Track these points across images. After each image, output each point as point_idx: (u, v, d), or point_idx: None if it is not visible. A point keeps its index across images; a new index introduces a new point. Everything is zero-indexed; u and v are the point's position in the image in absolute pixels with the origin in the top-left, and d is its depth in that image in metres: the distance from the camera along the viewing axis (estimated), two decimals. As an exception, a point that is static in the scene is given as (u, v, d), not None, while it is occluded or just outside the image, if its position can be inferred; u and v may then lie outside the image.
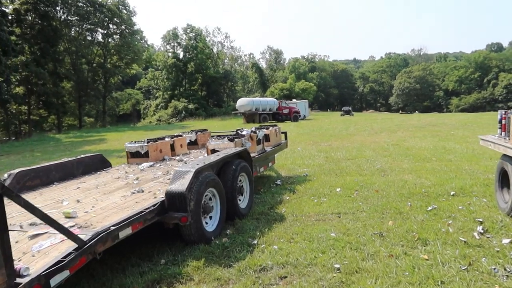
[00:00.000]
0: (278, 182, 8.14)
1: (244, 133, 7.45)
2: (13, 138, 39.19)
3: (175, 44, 63.21)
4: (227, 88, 70.00)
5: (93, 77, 48.56)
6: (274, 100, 41.73)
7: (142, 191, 4.82)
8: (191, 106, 55.06)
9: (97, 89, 49.17)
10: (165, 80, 63.23)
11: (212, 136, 9.26)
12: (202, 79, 64.40)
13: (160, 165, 6.85)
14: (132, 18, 47.91)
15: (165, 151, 7.65)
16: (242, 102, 39.02)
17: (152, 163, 6.97)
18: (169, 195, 4.27)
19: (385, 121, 31.27)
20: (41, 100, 40.18)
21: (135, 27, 49.00)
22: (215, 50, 72.10)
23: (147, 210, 3.92)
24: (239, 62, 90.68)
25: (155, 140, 7.71)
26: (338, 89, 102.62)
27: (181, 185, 4.30)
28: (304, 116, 44.29)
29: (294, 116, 39.45)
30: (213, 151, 6.57)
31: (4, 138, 40.80)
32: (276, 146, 8.42)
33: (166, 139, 7.99)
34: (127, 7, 47.16)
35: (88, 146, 21.50)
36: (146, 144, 7.24)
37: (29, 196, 5.10)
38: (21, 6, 37.05)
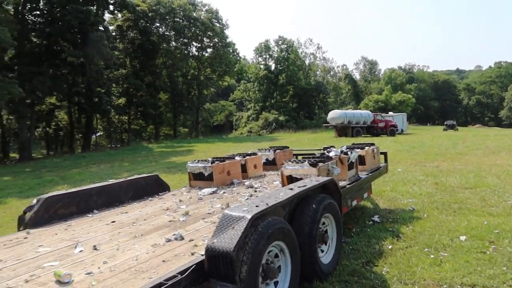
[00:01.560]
0: (376, 218, 6.25)
1: (332, 154, 5.75)
2: (118, 145, 42.02)
3: (267, 56, 63.33)
4: (319, 100, 68.14)
5: (188, 89, 50.33)
6: (368, 113, 38.79)
7: (182, 238, 3.41)
8: (281, 118, 54.27)
9: (191, 100, 50.84)
10: (256, 92, 63.58)
11: (294, 156, 7.71)
12: (294, 91, 63.53)
13: (224, 193, 5.46)
14: (224, 31, 48.78)
15: (234, 173, 6.28)
16: (334, 115, 36.86)
17: (215, 189, 5.61)
18: (210, 253, 2.79)
19: (500, 138, 26.64)
20: (139, 111, 42.45)
21: (228, 40, 49.79)
22: (307, 61, 70.95)
23: (168, 283, 2.47)
24: (332, 73, 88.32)
25: (223, 159, 6.38)
26: (439, 102, 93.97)
27: (228, 239, 2.80)
28: (402, 130, 40.51)
29: (390, 130, 36.12)
30: (290, 178, 4.99)
31: (109, 146, 43.98)
32: (373, 171, 6.54)
33: (237, 158, 6.63)
34: (220, 21, 48.15)
35: (175, 157, 21.40)
36: (210, 164, 5.93)
37: (50, 231, 4.04)
38: (124, 23, 39.69)
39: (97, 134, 48.16)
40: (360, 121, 36.63)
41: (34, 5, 30.69)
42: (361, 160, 6.34)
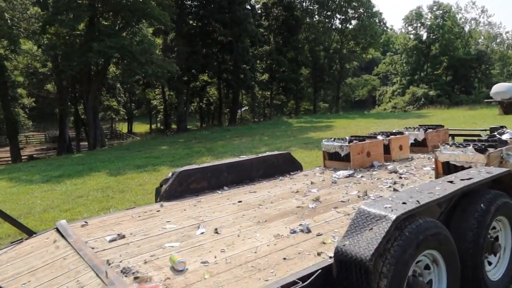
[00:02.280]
0: None
1: (505, 137, 4.53)
2: (261, 119, 43.91)
3: (418, 24, 57.38)
4: (480, 72, 59.42)
5: (329, 63, 49.13)
6: (546, 86, 31.99)
7: (308, 231, 2.94)
8: (432, 92, 49.03)
9: (332, 75, 49.61)
10: (404, 65, 58.64)
11: (450, 137, 6.50)
12: (448, 62, 56.61)
13: (361, 177, 4.79)
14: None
15: (375, 154, 5.51)
16: (500, 88, 31.38)
17: (351, 171, 4.98)
18: (341, 258, 2.25)
19: None
20: (281, 86, 43.23)
21: (374, 9, 46.56)
22: (467, 28, 62.08)
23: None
24: (498, 40, 75.71)
25: (362, 138, 5.65)
26: None
27: (364, 244, 2.21)
28: None
29: None
30: (447, 165, 4.05)
31: (253, 120, 46.27)
32: None
33: (379, 137, 5.81)
34: (367, -12, 45.19)
35: (313, 133, 21.06)
36: (347, 144, 5.29)
37: (180, 206, 4.02)
38: (269, 0, 40.30)
39: (242, 109, 51.04)
40: (535, 96, 30.49)
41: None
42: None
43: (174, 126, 40.47)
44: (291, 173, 5.35)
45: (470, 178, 2.98)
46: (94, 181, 9.75)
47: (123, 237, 3.17)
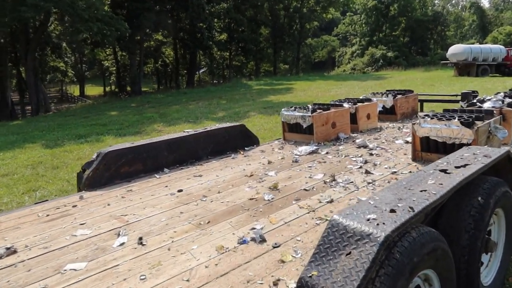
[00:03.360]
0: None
1: (488, 105, 3.97)
2: (221, 81, 42.40)
3: (378, -16, 56.67)
4: (435, 34, 60.34)
5: (289, 23, 47.80)
6: (500, 48, 32.66)
7: (262, 240, 2.22)
8: (390, 54, 49.30)
9: (292, 35, 48.43)
10: (363, 25, 58.31)
11: (419, 102, 5.96)
12: (406, 23, 56.91)
13: (327, 153, 4.12)
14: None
15: (341, 125, 4.84)
16: (456, 50, 31.75)
17: (315, 147, 4.28)
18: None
19: None
20: (240, 47, 41.76)
21: (335, -34, 45.18)
22: (425, -12, 62.13)
23: None
24: (453, 1, 76.87)
25: (327, 106, 4.94)
26: None
27: (342, 277, 1.51)
28: (540, 70, 33.66)
29: (527, 69, 30.20)
30: (426, 141, 3.44)
31: (212, 82, 44.75)
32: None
33: (345, 105, 5.12)
34: None
35: (273, 96, 20.33)
36: (309, 114, 4.56)
37: (105, 197, 3.19)
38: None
39: (201, 71, 49.14)
40: (488, 57, 31.08)
41: None
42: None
43: (129, 89, 38.36)
44: (245, 148, 4.60)
45: (467, 165, 2.34)
46: (26, 154, 8.58)
47: (14, 252, 2.33)
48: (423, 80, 26.01)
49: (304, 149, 4.17)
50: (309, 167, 3.63)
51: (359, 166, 3.50)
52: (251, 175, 3.50)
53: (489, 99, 4.28)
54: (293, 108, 4.82)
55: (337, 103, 5.15)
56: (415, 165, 3.43)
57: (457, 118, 3.30)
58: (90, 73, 58.30)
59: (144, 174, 3.78)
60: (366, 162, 3.63)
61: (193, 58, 38.72)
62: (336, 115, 4.78)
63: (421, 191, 1.96)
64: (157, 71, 46.43)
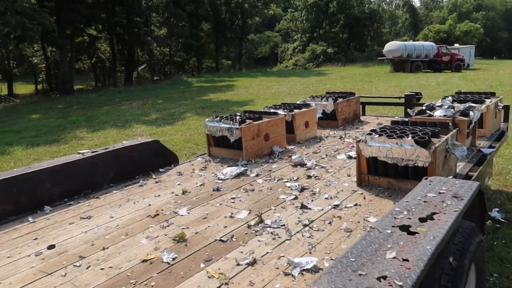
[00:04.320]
0: (496, 213, 4.00)
1: (439, 113, 3.44)
2: (162, 78, 40.46)
3: (318, -19, 57.42)
4: (372, 31, 62.44)
5: (231, 18, 46.96)
6: (431, 45, 34.10)
7: None
8: (330, 50, 50.15)
9: (234, 30, 47.67)
10: (304, 22, 58.93)
11: (362, 105, 5.43)
12: (345, 20, 58.26)
13: (257, 175, 3.38)
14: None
15: (275, 136, 4.13)
16: (392, 47, 32.71)
17: (242, 169, 3.53)
18: None
19: None
20: (180, 42, 40.30)
21: (275, -38, 44.92)
22: (361, -14, 63.99)
23: None
24: (388, 0, 79.95)
25: (259, 115, 4.21)
26: (510, 33, 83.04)
27: None
28: (468, 65, 35.60)
29: (456, 65, 31.69)
30: (374, 163, 2.81)
31: (152, 79, 42.68)
32: (495, 138, 4.15)
33: (280, 112, 4.43)
34: None
35: (213, 94, 19.45)
36: (237, 126, 3.80)
37: None
38: None
39: (141, 67, 46.86)
40: (421, 54, 32.35)
41: None
42: (478, 120, 3.95)
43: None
44: (160, 170, 3.74)
45: (434, 214, 1.69)
46: None
47: None
48: (361, 76, 26.41)
49: (229, 171, 3.40)
50: (233, 198, 2.87)
51: (293, 197, 2.79)
52: (155, 215, 2.67)
53: (439, 106, 3.77)
54: (218, 118, 4.03)
55: (271, 111, 4.44)
56: (362, 194, 2.79)
57: (410, 135, 2.69)
58: (20, 70, 53.68)
59: (15, 216, 2.82)
60: (303, 189, 2.94)
61: (131, 54, 36.73)
62: (269, 125, 4.06)
63: (379, 279, 1.25)
64: (94, 67, 43.56)
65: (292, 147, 4.30)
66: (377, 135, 2.80)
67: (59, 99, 23.56)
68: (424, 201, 1.82)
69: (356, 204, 2.59)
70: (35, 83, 45.78)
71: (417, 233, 1.53)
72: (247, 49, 61.05)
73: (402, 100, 5.67)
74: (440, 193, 1.91)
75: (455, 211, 1.69)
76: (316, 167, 3.48)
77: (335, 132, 4.94)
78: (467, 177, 2.99)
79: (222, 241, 2.22)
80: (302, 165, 3.55)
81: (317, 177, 3.22)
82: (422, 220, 1.63)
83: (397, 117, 5.57)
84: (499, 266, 3.07)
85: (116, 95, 21.46)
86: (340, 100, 5.26)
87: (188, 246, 2.19)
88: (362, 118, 5.78)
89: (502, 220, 3.86)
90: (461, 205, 1.74)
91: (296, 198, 2.79)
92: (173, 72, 43.91)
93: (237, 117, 3.93)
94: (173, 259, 2.05)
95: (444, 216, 1.64)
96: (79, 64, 41.23)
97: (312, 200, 2.72)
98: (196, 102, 16.38)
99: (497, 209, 4.05)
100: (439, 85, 17.87)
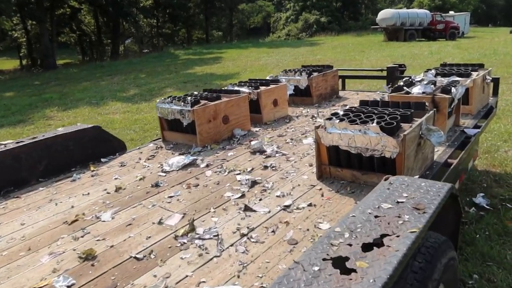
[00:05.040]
0: (480, 199, 3.61)
1: (417, 90, 2.99)
2: (151, 50, 39.21)
3: None
4: (366, -2, 60.77)
5: (220, -14, 45.39)
6: (426, 12, 33.16)
7: None
8: (323, 19, 48.91)
9: (224, 0, 46.10)
10: (297, -10, 57.17)
11: (342, 80, 4.97)
12: (338, -13, 56.63)
13: (207, 166, 2.95)
14: None
15: (236, 118, 3.67)
16: (385, 15, 31.80)
17: (191, 158, 3.08)
18: None
19: None
20: (168, 13, 38.94)
21: None
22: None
23: None
24: (384, -34, 77.56)
25: (217, 93, 3.72)
26: (506, 0, 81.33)
27: None
28: (462, 33, 34.79)
29: (451, 33, 30.96)
30: (335, 152, 2.38)
31: (140, 52, 41.47)
32: (483, 115, 3.71)
33: (244, 90, 3.95)
34: None
35: (198, 67, 18.75)
36: (189, 108, 3.33)
37: None
38: None
39: (128, 40, 45.38)
40: (415, 22, 31.51)
41: None
42: (464, 96, 3.50)
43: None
44: (102, 160, 3.29)
45: (386, 236, 1.27)
46: None
47: None
48: (354, 46, 25.68)
49: (176, 161, 2.95)
50: (170, 197, 2.44)
51: (240, 195, 2.37)
52: (73, 221, 2.24)
53: (418, 81, 3.31)
54: (169, 99, 3.55)
55: (233, 89, 3.95)
56: (320, 189, 2.37)
57: (376, 120, 2.24)
58: (3, 44, 52.02)
59: None
60: (254, 184, 2.51)
61: (116, 27, 35.47)
62: (228, 105, 3.59)
63: None
64: (80, 41, 42.16)
65: (257, 129, 3.85)
66: (338, 120, 2.35)
67: (38, 75, 22.77)
68: (375, 216, 1.39)
69: (310, 204, 2.17)
70: (19, 58, 44.44)
71: (355, 271, 1.11)
72: (238, 19, 59.46)
73: (385, 73, 5.19)
74: (398, 202, 1.48)
75: (412, 232, 1.27)
76: (277, 155, 3.04)
77: (308, 110, 4.48)
78: (446, 164, 2.58)
79: (137, 259, 1.80)
80: (262, 152, 3.11)
81: (274, 167, 2.78)
82: (366, 247, 1.21)
83: (378, 92, 5.11)
84: (480, 265, 2.70)
85: (98, 70, 20.69)
86: (315, 74, 4.76)
87: (94, 267, 1.77)
88: (341, 93, 5.31)
89: (487, 207, 3.48)
90: (422, 222, 1.32)
91: (243, 196, 2.36)
92: (162, 44, 42.66)
93: (190, 98, 3.45)
94: (68, 287, 1.63)
95: (396, 241, 1.22)
96: (65, 38, 39.86)
97: (260, 199, 2.29)
98: (180, 76, 15.74)
99: (482, 194, 3.66)
100: (432, 54, 17.27)
